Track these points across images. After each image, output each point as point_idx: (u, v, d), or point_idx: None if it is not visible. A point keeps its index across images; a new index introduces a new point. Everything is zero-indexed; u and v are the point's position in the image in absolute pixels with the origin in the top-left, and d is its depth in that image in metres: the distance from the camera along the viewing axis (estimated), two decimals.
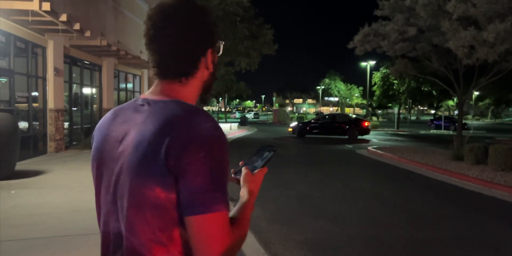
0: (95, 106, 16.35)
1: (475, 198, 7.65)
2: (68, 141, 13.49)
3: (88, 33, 11.27)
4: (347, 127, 22.72)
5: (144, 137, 0.97)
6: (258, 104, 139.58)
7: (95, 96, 16.28)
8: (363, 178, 9.65)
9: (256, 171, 1.18)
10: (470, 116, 49.98)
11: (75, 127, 14.43)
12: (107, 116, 1.14)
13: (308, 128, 23.28)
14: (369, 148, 15.86)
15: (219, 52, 1.16)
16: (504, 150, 9.73)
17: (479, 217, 6.25)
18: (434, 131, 34.11)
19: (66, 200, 6.17)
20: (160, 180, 0.93)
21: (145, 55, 13.44)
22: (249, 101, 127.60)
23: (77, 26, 10.37)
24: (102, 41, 13.06)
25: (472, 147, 10.93)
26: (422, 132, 32.54)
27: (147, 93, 1.12)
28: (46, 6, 8.36)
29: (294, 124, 24.68)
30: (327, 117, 25.13)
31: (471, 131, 33.05)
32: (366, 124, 23.14)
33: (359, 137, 22.56)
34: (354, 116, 27.50)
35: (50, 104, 11.95)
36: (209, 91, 1.19)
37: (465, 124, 36.58)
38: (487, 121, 66.20)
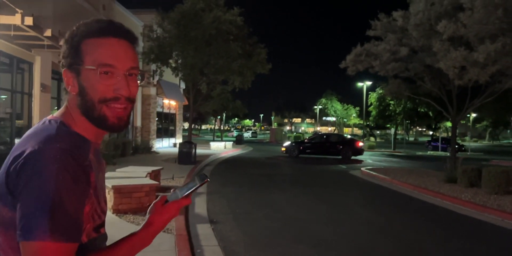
0: None
1: (467, 222, 7.34)
2: None
3: None
4: (341, 147, 22.49)
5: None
6: (256, 123, 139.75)
7: None
8: (353, 200, 9.33)
9: (169, 202, 1.07)
10: (468, 138, 49.73)
11: None
12: None
13: (301, 147, 23.02)
14: (363, 169, 15.57)
15: (79, 74, 1.00)
16: (497, 173, 9.46)
17: (470, 243, 5.94)
18: (431, 152, 33.84)
19: None
20: (4, 199, 0.90)
21: None
22: (247, 120, 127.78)
23: (63, 42, 10.23)
24: None
25: (465, 170, 10.66)
26: (419, 153, 32.28)
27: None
28: (29, 20, 8.23)
29: (287, 143, 24.38)
30: (320, 136, 24.91)
31: (468, 153, 32.81)
32: (359, 144, 22.92)
33: (353, 157, 22.29)
34: (348, 136, 27.27)
35: (36, 121, 11.70)
36: (97, 118, 1.01)
37: (462, 145, 36.42)
38: (485, 143, 66.06)
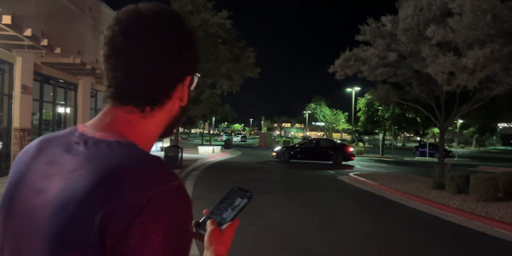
0: (68, 125, 15.76)
1: (455, 230, 7.21)
2: None
3: (58, 50, 10.85)
4: (332, 152, 22.37)
5: (73, 196, 0.66)
6: (246, 128, 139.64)
7: (69, 115, 15.72)
8: (340, 207, 9.16)
9: (225, 226, 0.89)
10: (455, 144, 50.17)
11: None
12: (31, 146, 0.82)
13: (292, 152, 22.84)
14: (351, 174, 15.44)
15: (192, 84, 0.85)
16: (485, 180, 9.38)
17: (458, 252, 5.80)
18: (419, 158, 33.95)
19: None
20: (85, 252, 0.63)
21: None
22: (237, 124, 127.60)
23: (44, 42, 9.94)
24: (76, 59, 12.64)
25: (453, 176, 10.57)
26: (407, 159, 32.34)
27: (90, 124, 0.80)
28: (7, 19, 7.95)
29: (278, 148, 24.16)
30: (311, 141, 24.76)
31: (455, 159, 32.98)
32: (350, 149, 22.83)
33: (343, 163, 22.19)
34: (338, 141, 27.18)
35: (16, 123, 11.37)
36: (172, 130, 0.88)
37: (450, 151, 36.64)
38: (472, 149, 66.68)
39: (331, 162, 22.08)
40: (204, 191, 10.54)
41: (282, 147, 24.23)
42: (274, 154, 23.25)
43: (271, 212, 8.18)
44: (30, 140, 12.06)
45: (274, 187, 11.99)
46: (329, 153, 22.45)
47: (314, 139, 28.84)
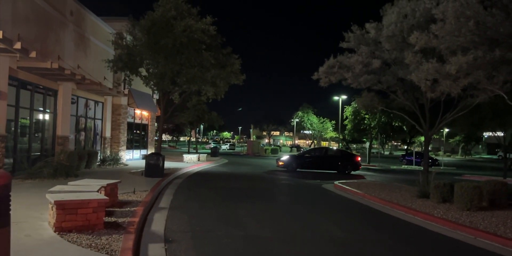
0: (47, 133, 15.30)
1: (438, 240, 6.99)
2: (11, 170, 12.38)
3: (33, 54, 10.51)
4: (340, 162, 22.07)
5: None
6: (235, 136, 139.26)
7: (48, 122, 15.28)
8: (322, 216, 8.89)
9: None
10: (441, 153, 50.44)
11: (20, 154, 13.33)
12: None
13: (299, 162, 22.23)
14: (336, 182, 15.23)
15: None
16: (469, 188, 9.22)
17: None
18: (405, 166, 33.95)
19: None
20: None
21: (108, 82, 12.76)
22: (226, 132, 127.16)
23: (17, 45, 9.61)
24: (53, 64, 12.29)
25: (437, 185, 10.41)
26: (393, 167, 32.31)
27: None
28: None
29: (285, 157, 22.95)
30: (319, 150, 24.22)
31: (441, 167, 33.05)
32: (358, 159, 22.61)
33: (352, 172, 21.98)
34: (348, 150, 26.77)
35: None
36: None
37: (436, 160, 36.76)
38: (458, 157, 67.16)
39: (338, 171, 21.78)
40: (184, 200, 10.22)
41: (290, 156, 23.15)
42: (280, 163, 22.35)
43: (250, 222, 7.88)
44: (4, 147, 11.62)
45: (255, 196, 11.69)
46: (337, 162, 22.11)
47: (321, 148, 28.34)
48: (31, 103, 13.83)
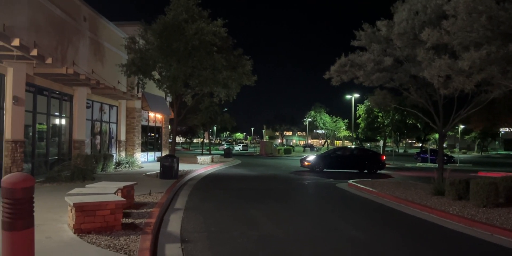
0: (64, 137, 15.58)
1: (454, 237, 6.95)
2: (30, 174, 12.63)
3: (49, 60, 10.74)
4: (366, 161, 22.04)
5: None
6: (248, 136, 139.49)
7: (65, 127, 15.56)
8: (336, 215, 8.91)
9: None
10: (457, 149, 49.77)
11: (38, 159, 13.62)
12: None
13: (326, 162, 22.15)
14: (350, 181, 15.19)
15: None
16: (485, 185, 9.13)
17: None
18: (420, 164, 33.62)
19: None
20: None
21: (122, 86, 12.96)
22: (239, 133, 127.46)
23: (34, 52, 9.83)
24: (69, 69, 12.53)
25: (453, 182, 10.33)
26: (408, 165, 32.02)
27: None
28: None
29: (312, 157, 22.83)
30: (343, 150, 24.15)
31: (457, 165, 32.66)
32: (384, 158, 22.56)
33: (378, 171, 21.96)
34: (373, 149, 26.69)
35: (7, 135, 11.21)
36: None
37: (452, 157, 36.34)
38: (474, 154, 66.23)
39: (364, 170, 21.77)
40: (199, 201, 10.32)
41: (317, 156, 22.93)
42: (306, 163, 22.33)
43: (265, 222, 7.93)
44: (23, 152, 11.88)
45: (269, 197, 11.73)
46: (363, 161, 22.07)
47: (345, 147, 28.22)
48: (48, 108, 14.11)
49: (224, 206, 9.65)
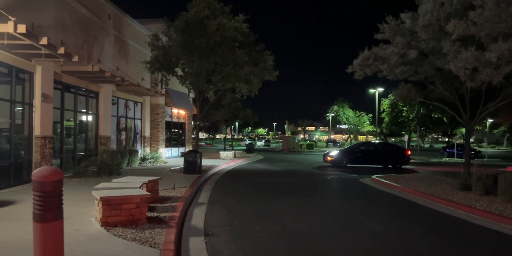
0: (90, 133, 15.96)
1: (482, 234, 6.81)
2: None
3: (76, 58, 10.99)
4: (391, 156, 21.76)
5: None
6: (270, 132, 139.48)
7: (91, 123, 15.94)
8: (360, 210, 8.86)
9: None
10: (485, 144, 48.51)
11: (66, 154, 14.00)
12: None
13: (350, 157, 22.00)
14: (373, 176, 15.04)
15: None
16: None
17: None
18: (447, 159, 32.95)
19: (17, 235, 5.55)
20: None
21: (146, 82, 13.18)
22: (261, 128, 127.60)
23: (61, 51, 10.07)
24: (95, 67, 12.81)
25: (480, 177, 10.10)
26: (434, 160, 31.43)
27: None
28: (22, 28, 8.05)
29: (335, 152, 22.72)
30: (367, 145, 23.86)
31: (485, 159, 31.87)
32: (408, 153, 22.24)
33: (403, 166, 21.68)
34: (398, 144, 26.38)
35: (37, 131, 11.56)
36: None
37: (479, 152, 35.45)
38: (503, 149, 64.40)
39: (389, 165, 21.53)
40: (222, 195, 10.43)
41: (340, 151, 22.77)
42: (329, 158, 22.16)
43: (287, 217, 7.96)
44: (51, 148, 12.24)
45: (291, 191, 11.74)
46: (388, 156, 21.79)
47: (369, 142, 27.81)
48: (75, 105, 14.47)
49: (246, 200, 9.72)
